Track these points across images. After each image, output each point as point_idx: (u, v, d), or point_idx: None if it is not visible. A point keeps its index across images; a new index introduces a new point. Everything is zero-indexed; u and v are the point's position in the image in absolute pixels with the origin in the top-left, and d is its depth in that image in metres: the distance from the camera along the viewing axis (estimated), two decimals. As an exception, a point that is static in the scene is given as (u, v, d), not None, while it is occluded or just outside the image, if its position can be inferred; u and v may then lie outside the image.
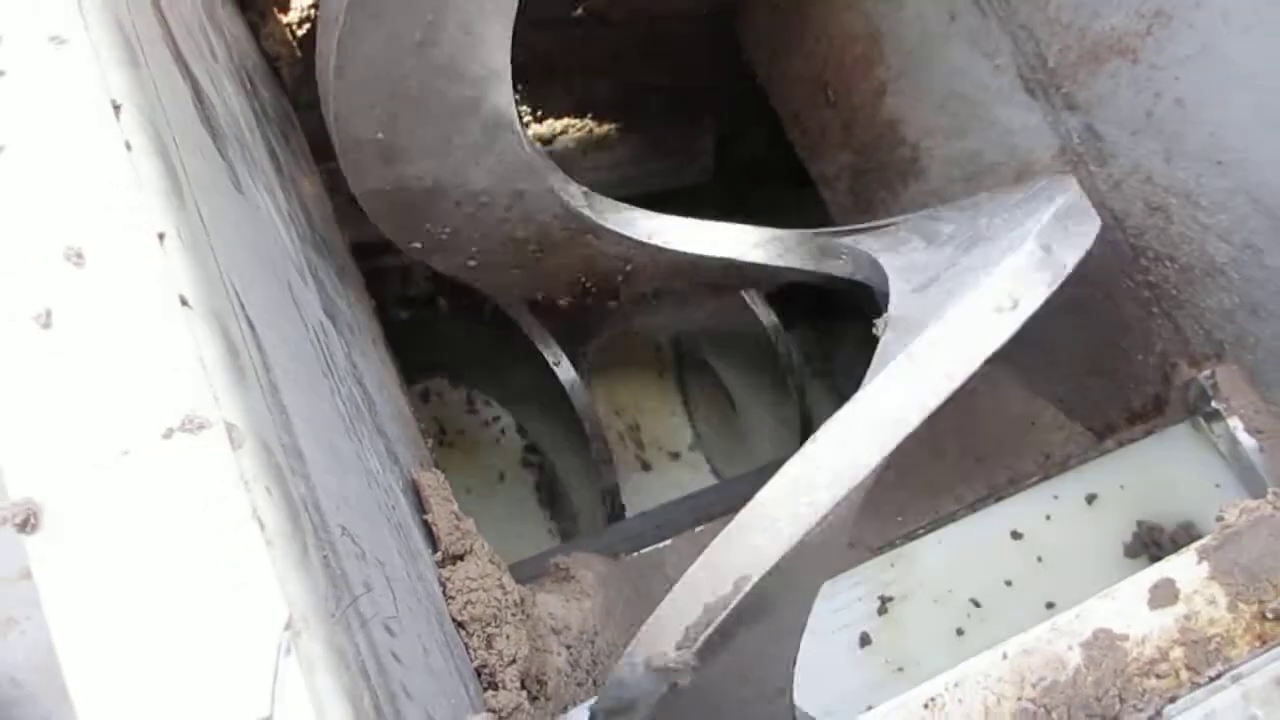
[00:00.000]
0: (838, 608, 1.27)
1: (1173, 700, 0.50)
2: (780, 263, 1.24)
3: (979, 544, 1.30)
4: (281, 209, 1.02)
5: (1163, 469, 1.14)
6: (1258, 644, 0.51)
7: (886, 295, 1.05)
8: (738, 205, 2.34)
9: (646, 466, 2.23)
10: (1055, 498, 1.22)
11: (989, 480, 1.41)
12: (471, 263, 1.22)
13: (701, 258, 1.27)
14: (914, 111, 1.44)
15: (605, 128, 2.08)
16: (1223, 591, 0.52)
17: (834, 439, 0.80)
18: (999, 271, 0.89)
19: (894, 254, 1.07)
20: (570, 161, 2.04)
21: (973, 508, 1.35)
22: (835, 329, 2.31)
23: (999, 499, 1.31)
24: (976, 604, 1.24)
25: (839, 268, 1.19)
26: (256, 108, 1.15)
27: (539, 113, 1.89)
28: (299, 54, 1.45)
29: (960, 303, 0.87)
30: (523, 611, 1.05)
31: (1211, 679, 0.50)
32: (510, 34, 0.99)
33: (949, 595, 1.24)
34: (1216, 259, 1.02)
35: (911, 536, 1.35)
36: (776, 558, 0.76)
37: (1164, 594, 0.51)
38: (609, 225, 1.21)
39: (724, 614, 0.76)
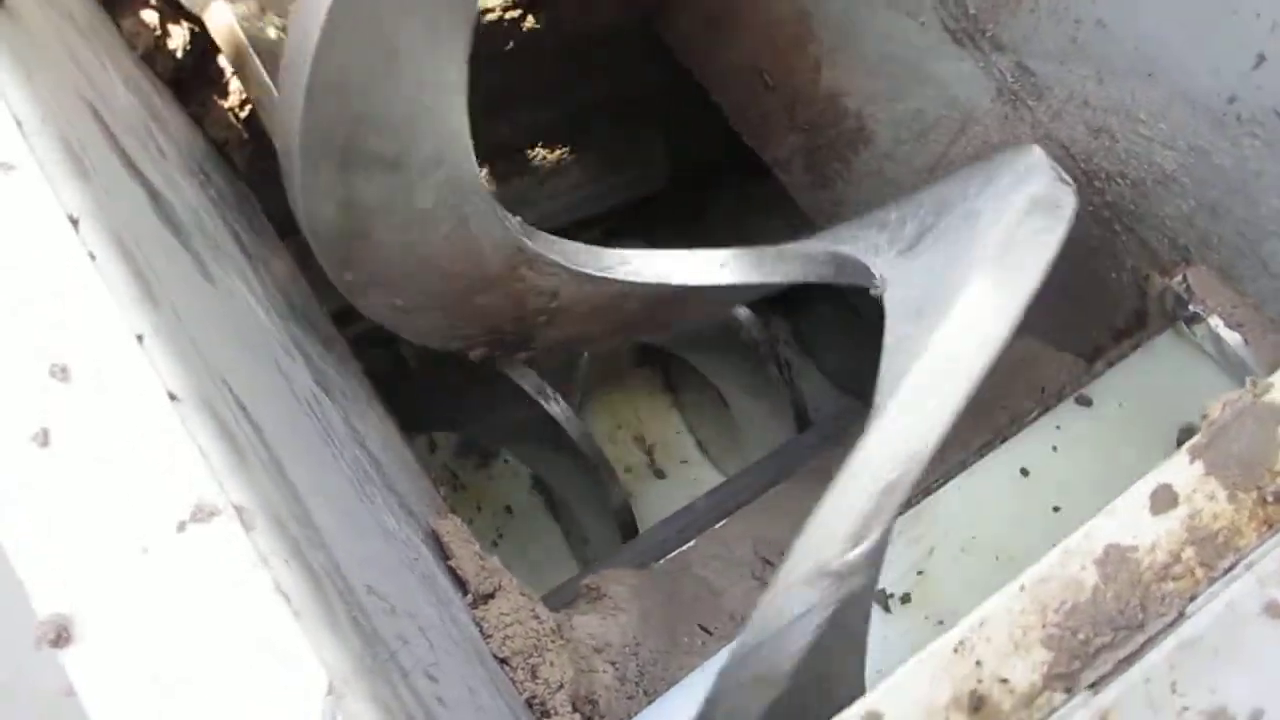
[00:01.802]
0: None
1: (1193, 599, 0.51)
2: (755, 279, 1.24)
3: (993, 487, 1.31)
4: (255, 291, 1.03)
5: (1154, 379, 1.15)
6: (1265, 529, 0.53)
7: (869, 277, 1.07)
8: (699, 206, 2.36)
9: (661, 475, 2.24)
10: (1057, 428, 1.23)
11: (992, 423, 1.43)
12: (399, 301, 1.19)
13: (663, 286, 1.25)
14: (852, 82, 1.46)
15: (557, 153, 2.10)
16: (1220, 485, 0.53)
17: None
18: (990, 246, 0.91)
19: (865, 243, 1.09)
20: (528, 192, 2.06)
21: (980, 453, 1.36)
22: (806, 306, 2.32)
23: (1004, 439, 1.33)
24: (1002, 545, 1.25)
25: (816, 273, 1.19)
26: (213, 196, 1.16)
27: (488, 150, 1.91)
28: (245, 136, 1.46)
29: (961, 288, 0.89)
30: (561, 637, 1.06)
31: (1226, 570, 0.52)
32: (466, 47, 1.00)
33: (974, 542, 1.25)
34: (1166, 167, 1.04)
35: (927, 492, 1.36)
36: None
37: (1164, 499, 0.53)
38: (549, 254, 1.20)
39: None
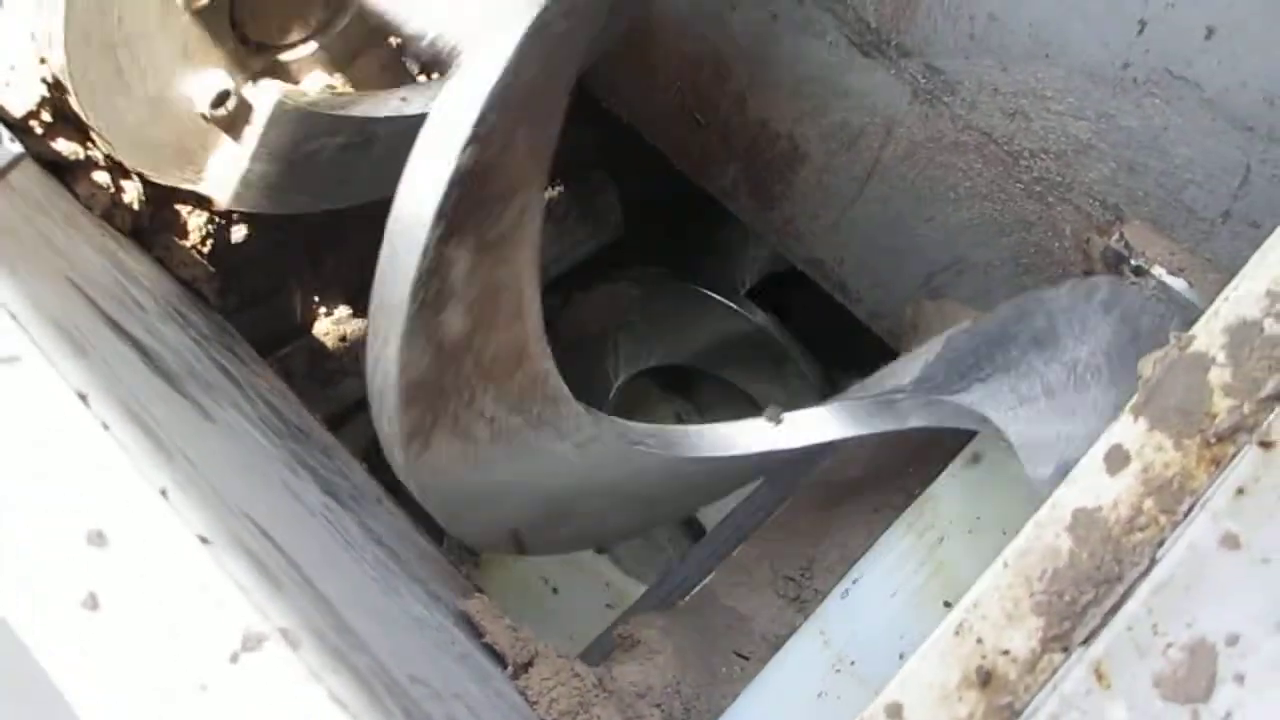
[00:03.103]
0: (890, 568, 1.32)
1: (1161, 544, 0.56)
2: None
3: (989, 465, 1.36)
4: (251, 417, 1.07)
5: (1118, 335, 1.20)
6: (1213, 468, 0.57)
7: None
8: (663, 244, 2.41)
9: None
10: (1037, 398, 1.28)
11: (976, 404, 1.47)
12: None
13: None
14: (776, 107, 1.52)
15: (509, 222, 2.15)
16: (1166, 436, 0.58)
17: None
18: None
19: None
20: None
21: (966, 438, 1.40)
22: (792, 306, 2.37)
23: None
24: (1006, 518, 1.29)
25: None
26: (194, 335, 1.21)
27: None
28: (212, 269, 1.51)
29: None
30: (604, 689, 1.10)
31: (1186, 512, 0.56)
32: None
33: (979, 523, 1.30)
34: (1081, 137, 1.10)
35: (927, 482, 1.40)
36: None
37: (1117, 458, 0.57)
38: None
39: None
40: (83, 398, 0.62)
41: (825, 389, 2.15)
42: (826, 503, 1.57)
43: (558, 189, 2.17)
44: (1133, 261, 1.14)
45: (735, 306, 2.18)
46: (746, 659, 1.38)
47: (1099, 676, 0.51)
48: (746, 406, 2.25)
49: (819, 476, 1.62)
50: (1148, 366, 0.58)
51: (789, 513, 1.61)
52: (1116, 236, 1.14)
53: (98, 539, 0.58)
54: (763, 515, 1.62)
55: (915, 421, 1.19)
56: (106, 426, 0.61)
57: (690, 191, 1.90)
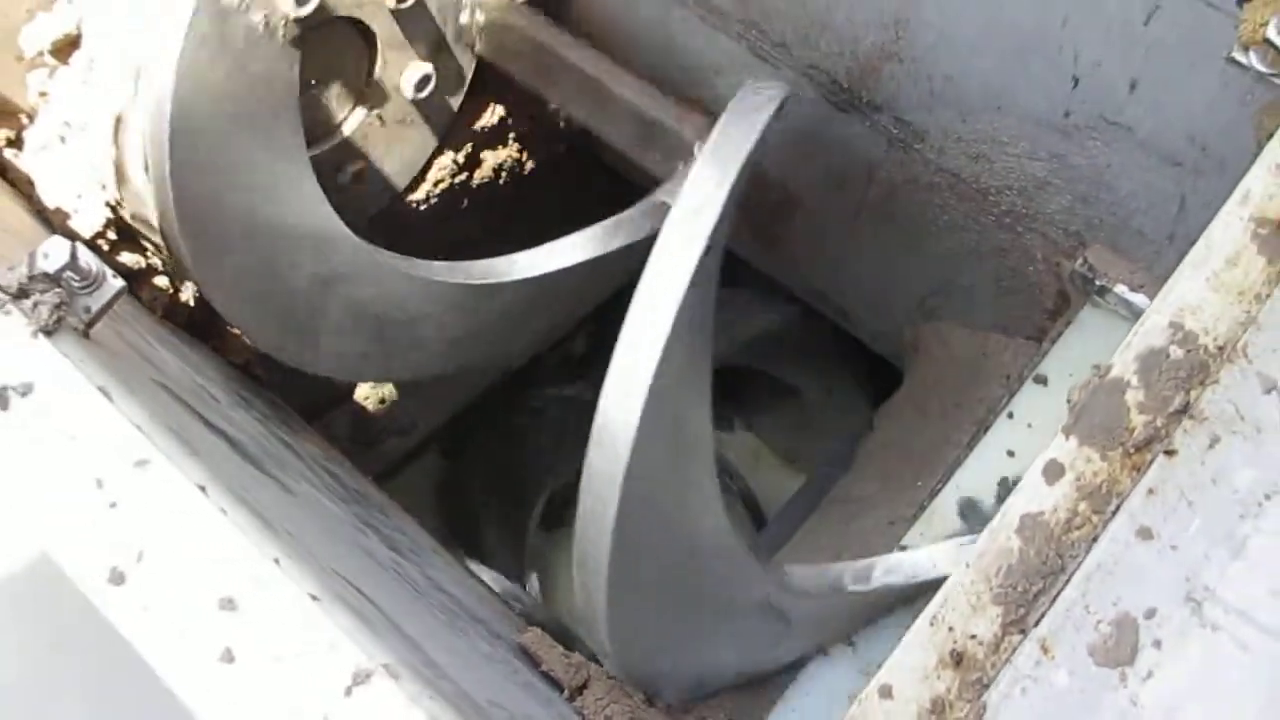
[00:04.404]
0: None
1: (1095, 540, 0.68)
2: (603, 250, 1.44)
3: (987, 474, 1.47)
4: (318, 486, 1.21)
5: (1089, 347, 1.31)
6: (1135, 473, 0.69)
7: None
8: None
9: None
10: (1026, 409, 1.40)
11: (972, 417, 1.59)
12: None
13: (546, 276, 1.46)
14: (769, 156, 1.65)
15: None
16: (1093, 450, 0.70)
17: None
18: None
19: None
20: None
21: (969, 447, 1.52)
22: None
23: (986, 428, 1.49)
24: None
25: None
26: (257, 416, 1.35)
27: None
28: (259, 353, 1.65)
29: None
30: (653, 704, 1.22)
31: (1114, 512, 0.68)
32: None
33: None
34: (1038, 175, 1.22)
35: (934, 494, 1.51)
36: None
37: (1054, 470, 0.69)
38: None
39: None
40: (202, 489, 0.76)
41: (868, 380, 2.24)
42: (845, 518, 1.68)
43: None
44: (1097, 281, 1.26)
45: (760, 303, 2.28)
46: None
47: (1045, 650, 0.63)
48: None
49: (837, 495, 1.74)
50: (1074, 393, 0.70)
51: (811, 530, 1.73)
52: (1081, 260, 1.26)
53: (229, 604, 0.71)
54: (788, 533, 1.74)
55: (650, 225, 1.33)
56: (224, 511, 0.75)
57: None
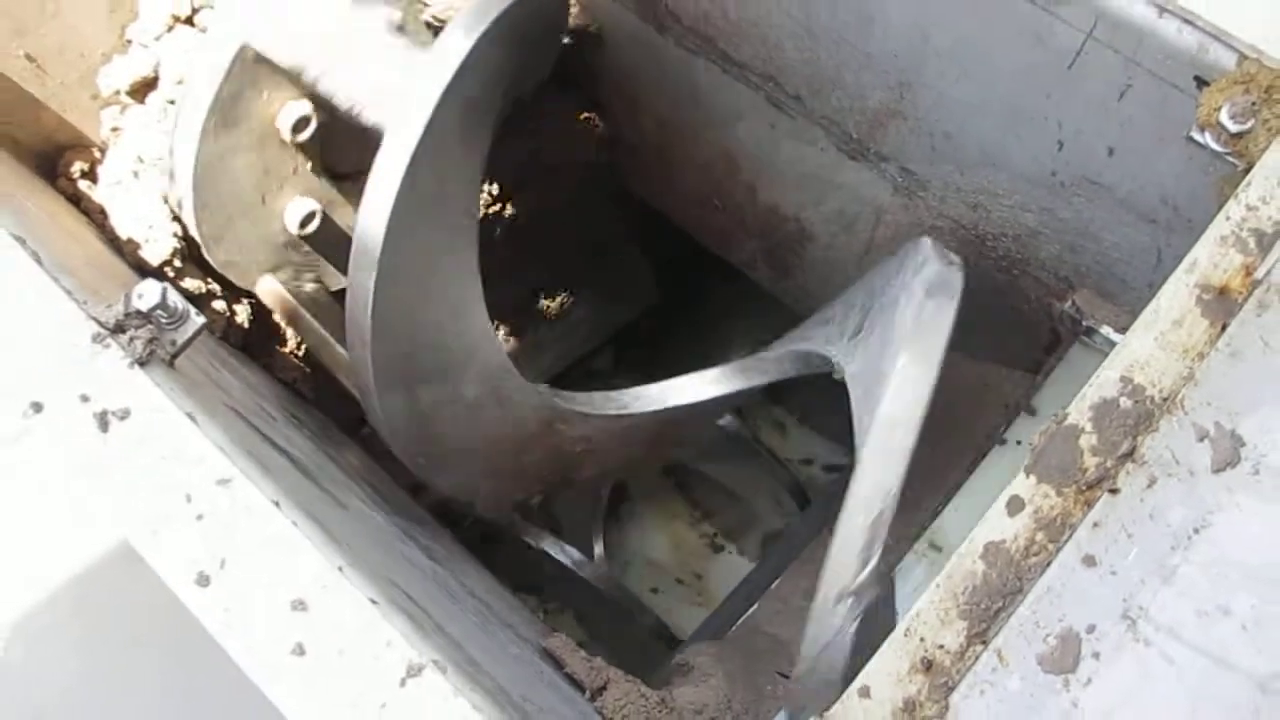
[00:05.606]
0: (905, 594, 1.53)
1: (1047, 565, 0.78)
2: (740, 387, 1.52)
3: (987, 494, 1.57)
4: (365, 500, 1.32)
5: (1077, 383, 1.41)
6: (1086, 507, 0.80)
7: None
8: (695, 308, 2.65)
9: (719, 548, 2.49)
10: (1018, 441, 1.50)
11: (974, 443, 1.69)
12: (463, 477, 1.45)
13: (666, 410, 1.53)
14: (783, 195, 1.76)
15: (559, 299, 2.40)
16: (1050, 487, 0.80)
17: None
18: (905, 328, 1.19)
19: (820, 339, 1.38)
20: (542, 338, 2.36)
21: (969, 470, 1.62)
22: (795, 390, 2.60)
23: (984, 454, 1.59)
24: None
25: (787, 371, 1.48)
26: (307, 433, 1.46)
27: (502, 312, 2.22)
28: (307, 370, 1.77)
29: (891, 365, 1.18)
30: (666, 707, 1.32)
31: (1064, 542, 0.79)
32: (476, 264, 1.31)
33: (977, 547, 1.51)
34: (1029, 224, 1.33)
35: (936, 515, 1.61)
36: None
37: (1015, 505, 0.79)
38: (575, 407, 1.49)
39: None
40: (276, 504, 0.87)
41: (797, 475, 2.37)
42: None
43: (598, 265, 2.41)
44: (1085, 323, 1.36)
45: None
46: (788, 677, 1.59)
47: (1001, 659, 0.74)
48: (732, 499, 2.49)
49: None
50: (1035, 438, 0.81)
51: (819, 547, 1.84)
52: (1070, 303, 1.36)
53: (300, 605, 0.82)
54: (796, 551, 1.84)
55: (775, 371, 1.45)
56: (295, 524, 0.86)
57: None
